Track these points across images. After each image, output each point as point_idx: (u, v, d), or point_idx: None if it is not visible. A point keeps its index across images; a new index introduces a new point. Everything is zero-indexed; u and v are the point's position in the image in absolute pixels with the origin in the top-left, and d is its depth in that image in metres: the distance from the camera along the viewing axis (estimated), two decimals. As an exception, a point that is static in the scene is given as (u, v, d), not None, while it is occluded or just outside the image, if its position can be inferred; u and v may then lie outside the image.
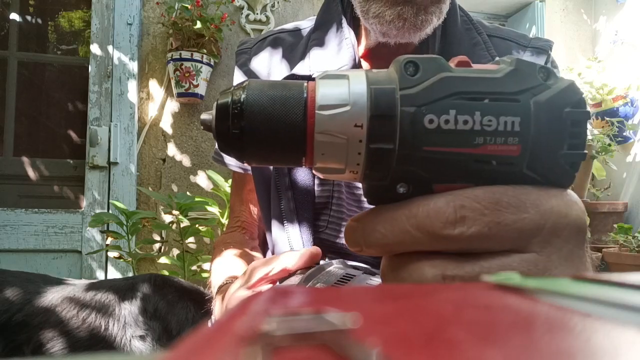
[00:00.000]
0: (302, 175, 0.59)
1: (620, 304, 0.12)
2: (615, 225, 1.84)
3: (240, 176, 0.73)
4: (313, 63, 0.58)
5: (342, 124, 0.19)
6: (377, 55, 0.59)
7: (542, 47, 0.60)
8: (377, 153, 0.20)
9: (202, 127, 0.23)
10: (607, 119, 2.07)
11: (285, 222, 0.59)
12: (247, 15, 1.91)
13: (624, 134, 2.07)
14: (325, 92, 0.20)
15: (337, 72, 0.21)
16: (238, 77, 0.67)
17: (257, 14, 1.92)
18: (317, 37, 0.61)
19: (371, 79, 0.20)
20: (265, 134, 0.20)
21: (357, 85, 0.20)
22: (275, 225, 0.61)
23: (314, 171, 0.22)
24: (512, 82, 0.20)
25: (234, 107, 0.21)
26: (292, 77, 0.57)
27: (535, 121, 0.19)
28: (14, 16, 1.85)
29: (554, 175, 0.20)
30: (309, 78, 0.56)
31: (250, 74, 0.66)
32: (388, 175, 0.20)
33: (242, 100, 0.20)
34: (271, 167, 0.60)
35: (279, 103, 0.20)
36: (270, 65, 0.65)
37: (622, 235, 1.75)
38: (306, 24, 0.68)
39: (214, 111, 0.21)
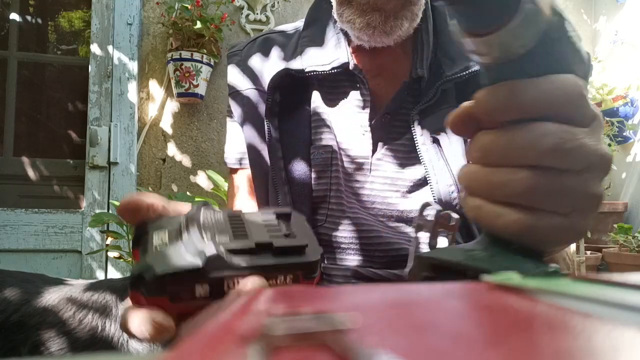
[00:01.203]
0: (299, 169, 0.59)
1: (620, 304, 0.12)
2: (615, 225, 1.84)
3: (240, 176, 0.73)
4: (307, 58, 0.60)
5: None
6: (365, 51, 0.61)
7: None
8: None
9: None
10: (607, 119, 2.07)
11: None
12: (247, 15, 1.91)
13: (624, 134, 2.07)
14: None
15: None
16: (234, 74, 0.68)
17: (257, 14, 1.92)
18: (309, 34, 0.64)
19: None
20: None
21: None
22: None
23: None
24: None
25: None
26: (287, 71, 0.59)
27: None
28: (14, 16, 1.85)
29: None
30: (302, 72, 0.59)
31: (246, 69, 0.67)
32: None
33: None
34: (268, 162, 0.61)
35: None
36: (262, 61, 0.66)
37: (622, 235, 1.75)
38: (295, 25, 0.71)
39: None
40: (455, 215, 0.35)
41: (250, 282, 0.26)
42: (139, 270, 0.25)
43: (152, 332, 0.24)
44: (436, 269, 0.31)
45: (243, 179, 0.71)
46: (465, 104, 0.28)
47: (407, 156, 0.58)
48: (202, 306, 0.26)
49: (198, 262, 0.25)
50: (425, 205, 0.37)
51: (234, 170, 0.73)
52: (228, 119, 0.73)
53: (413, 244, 0.35)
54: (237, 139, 0.70)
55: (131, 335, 0.26)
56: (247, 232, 0.28)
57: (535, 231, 0.25)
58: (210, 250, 0.26)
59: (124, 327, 0.27)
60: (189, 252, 0.26)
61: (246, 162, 0.68)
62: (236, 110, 0.68)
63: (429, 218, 0.36)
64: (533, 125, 0.25)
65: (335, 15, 0.57)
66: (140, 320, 0.25)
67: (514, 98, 0.25)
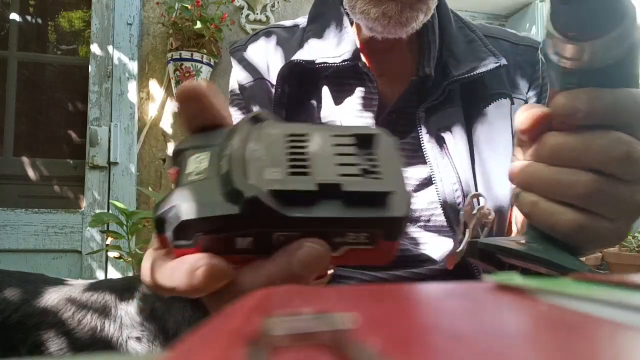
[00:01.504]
0: None
1: (620, 304, 0.12)
2: (615, 226, 1.84)
3: None
4: (316, 50, 0.59)
5: None
6: (372, 49, 0.60)
7: (533, 45, 0.63)
8: None
9: None
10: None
11: None
12: (247, 15, 1.91)
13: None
14: None
15: None
16: (237, 71, 0.67)
17: (257, 14, 1.92)
18: (314, 29, 0.63)
19: None
20: None
21: None
22: None
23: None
24: None
25: None
26: (297, 62, 0.58)
27: None
28: (14, 16, 1.85)
29: None
30: (312, 63, 0.57)
31: (250, 62, 0.66)
32: None
33: None
34: None
35: None
36: (267, 53, 0.65)
37: (622, 235, 1.75)
38: (294, 22, 0.70)
39: None
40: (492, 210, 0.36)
41: (306, 248, 0.19)
42: (163, 209, 0.20)
43: (206, 277, 0.19)
44: (485, 256, 0.32)
45: None
46: (534, 105, 0.29)
47: (413, 155, 0.58)
48: (246, 259, 0.21)
49: (234, 208, 0.19)
50: (475, 196, 0.37)
51: None
52: (230, 108, 0.72)
53: (459, 231, 0.36)
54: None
55: (164, 290, 0.21)
56: (308, 165, 0.20)
57: (586, 232, 0.27)
58: (250, 192, 0.19)
59: (159, 278, 0.21)
60: (225, 191, 0.20)
61: None
62: (244, 100, 0.67)
63: (474, 211, 0.36)
64: (607, 132, 0.26)
65: (346, 7, 0.56)
66: (186, 265, 0.20)
67: (594, 104, 0.26)
